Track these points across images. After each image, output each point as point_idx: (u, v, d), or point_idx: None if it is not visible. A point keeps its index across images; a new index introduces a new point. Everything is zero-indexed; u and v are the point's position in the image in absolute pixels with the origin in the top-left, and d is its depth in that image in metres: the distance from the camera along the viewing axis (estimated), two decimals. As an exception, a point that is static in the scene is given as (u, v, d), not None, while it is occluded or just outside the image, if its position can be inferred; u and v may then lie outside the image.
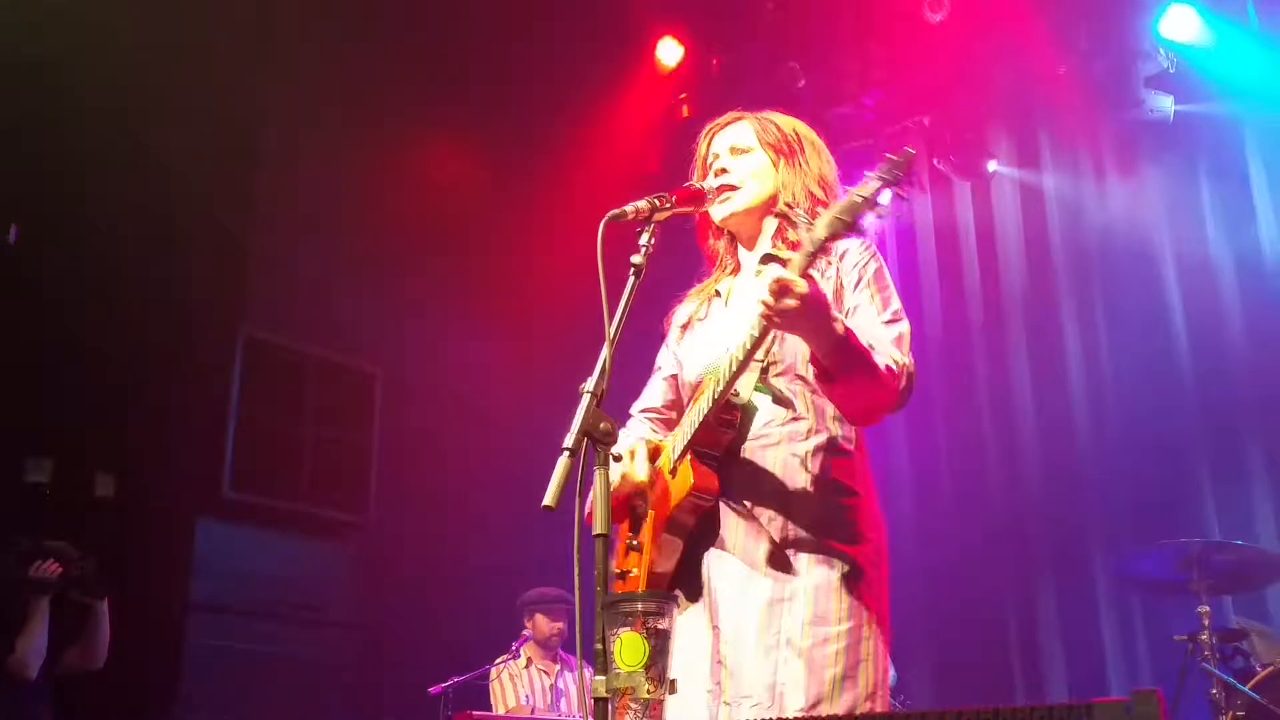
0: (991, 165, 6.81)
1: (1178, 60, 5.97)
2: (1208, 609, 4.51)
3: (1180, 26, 5.85)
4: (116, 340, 6.17)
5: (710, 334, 2.71)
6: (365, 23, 6.60)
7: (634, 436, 2.65)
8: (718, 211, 2.70)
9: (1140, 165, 6.35)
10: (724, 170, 2.70)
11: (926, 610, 6.32)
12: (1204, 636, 4.45)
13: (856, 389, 2.38)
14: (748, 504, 2.47)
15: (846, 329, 2.31)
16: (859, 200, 2.24)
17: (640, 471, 2.54)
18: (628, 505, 2.62)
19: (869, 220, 2.60)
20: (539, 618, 6.37)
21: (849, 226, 2.24)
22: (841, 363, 2.31)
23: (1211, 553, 4.60)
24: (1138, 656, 5.83)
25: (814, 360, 2.37)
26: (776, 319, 2.24)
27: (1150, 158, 6.32)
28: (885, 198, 2.32)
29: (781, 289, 2.20)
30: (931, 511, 6.61)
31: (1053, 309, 6.52)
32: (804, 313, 2.22)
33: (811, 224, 2.34)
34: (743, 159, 2.71)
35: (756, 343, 2.37)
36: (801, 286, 2.20)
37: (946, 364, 6.85)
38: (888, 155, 2.28)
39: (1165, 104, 5.97)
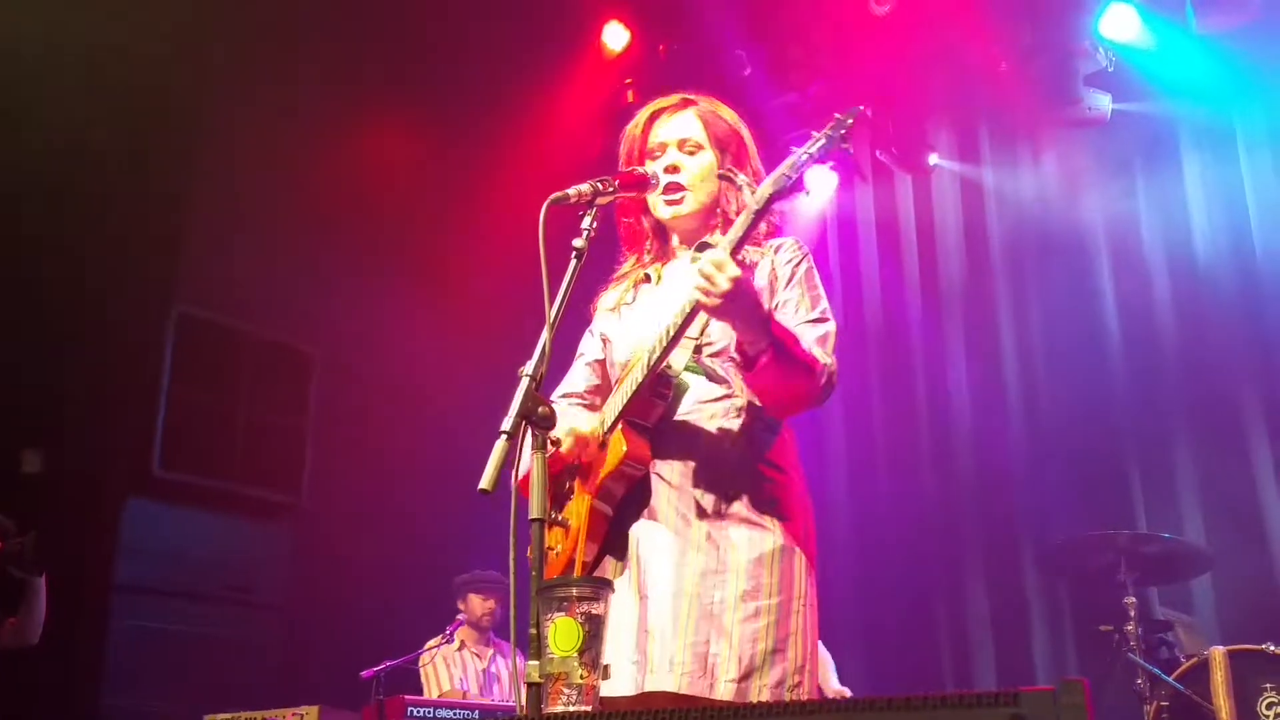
0: (932, 158, 6.87)
1: (1117, 59, 6.05)
2: (1134, 600, 4.58)
3: (1120, 26, 5.92)
4: (45, 314, 6.03)
5: (641, 315, 2.71)
6: (304, 4, 6.49)
7: (566, 422, 2.63)
8: (664, 210, 2.70)
9: (1078, 162, 6.43)
10: (675, 168, 2.68)
11: (857, 597, 6.38)
12: (1130, 627, 4.52)
13: (779, 379, 2.41)
14: (679, 476, 2.48)
15: (771, 318, 2.38)
16: (804, 157, 2.32)
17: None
18: (555, 481, 2.61)
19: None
20: (472, 597, 6.33)
21: (792, 182, 2.31)
22: (765, 350, 2.35)
23: (1139, 545, 4.68)
24: (1065, 646, 5.92)
25: (739, 349, 2.42)
26: (708, 300, 2.29)
27: (1088, 155, 6.40)
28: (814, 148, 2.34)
29: (717, 269, 2.26)
30: (865, 499, 6.67)
31: (990, 302, 6.60)
32: (735, 295, 2.27)
33: (754, 186, 2.41)
34: (692, 158, 2.69)
35: (689, 316, 2.40)
36: (734, 269, 2.26)
37: (884, 353, 6.91)
38: (835, 114, 2.32)
39: (1103, 102, 6.05)
